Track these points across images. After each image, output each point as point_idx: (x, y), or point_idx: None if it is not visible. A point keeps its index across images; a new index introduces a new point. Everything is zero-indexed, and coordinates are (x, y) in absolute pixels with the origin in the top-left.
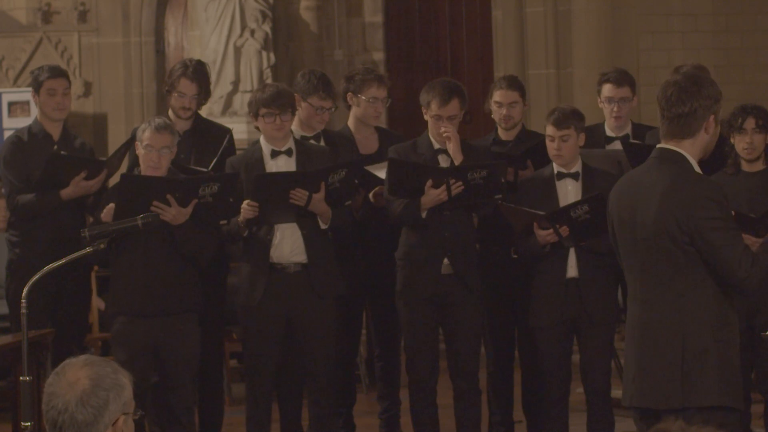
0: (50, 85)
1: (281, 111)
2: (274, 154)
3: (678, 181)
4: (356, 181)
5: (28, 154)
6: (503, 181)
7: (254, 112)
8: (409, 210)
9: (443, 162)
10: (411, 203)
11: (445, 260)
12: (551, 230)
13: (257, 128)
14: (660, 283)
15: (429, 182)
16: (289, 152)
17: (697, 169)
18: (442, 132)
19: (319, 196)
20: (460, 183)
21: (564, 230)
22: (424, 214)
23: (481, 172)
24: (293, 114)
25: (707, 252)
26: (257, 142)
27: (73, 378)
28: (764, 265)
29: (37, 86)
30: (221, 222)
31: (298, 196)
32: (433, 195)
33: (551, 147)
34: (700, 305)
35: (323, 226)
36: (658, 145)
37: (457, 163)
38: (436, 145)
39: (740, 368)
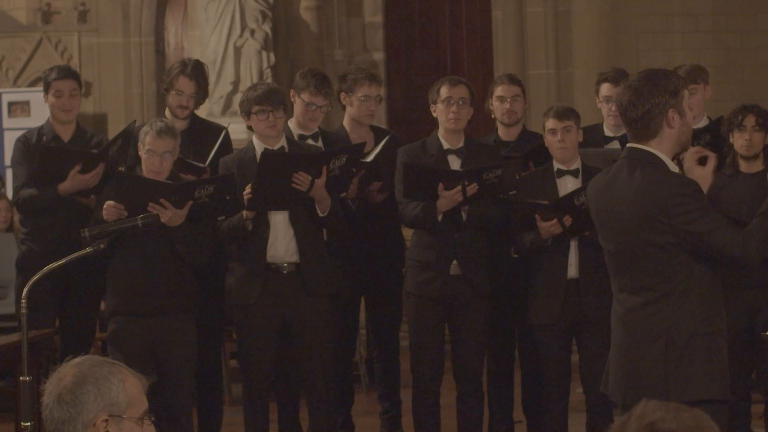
0: (57, 86)
1: (274, 108)
2: None
3: (650, 183)
4: (354, 170)
5: (35, 156)
6: (518, 177)
7: (246, 110)
8: (424, 213)
9: (453, 162)
10: (427, 206)
11: (454, 261)
12: (555, 221)
13: (249, 128)
14: (642, 284)
15: (440, 185)
16: (281, 150)
17: (671, 165)
18: (451, 115)
19: (321, 182)
20: (474, 184)
21: (567, 220)
22: (440, 218)
23: (496, 172)
24: (285, 112)
25: (698, 245)
26: (250, 141)
27: (62, 375)
28: (760, 233)
29: (45, 87)
30: (219, 218)
31: (301, 180)
32: (448, 198)
33: (554, 141)
34: (683, 302)
35: (321, 214)
36: (627, 145)
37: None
38: (446, 146)
39: (729, 359)
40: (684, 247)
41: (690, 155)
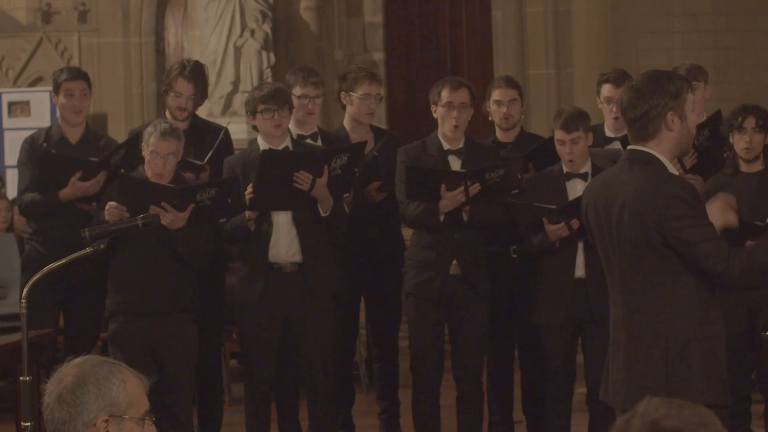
0: (68, 87)
1: (279, 107)
2: None
3: (647, 183)
4: (356, 170)
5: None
6: (520, 176)
7: (252, 110)
8: (426, 214)
9: (453, 162)
10: (428, 207)
11: (454, 261)
12: (562, 224)
13: (254, 128)
14: (639, 286)
15: (443, 186)
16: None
17: (671, 167)
18: (453, 122)
19: (322, 181)
20: (477, 184)
21: (575, 223)
22: (441, 218)
23: (498, 172)
24: (290, 112)
25: (683, 251)
26: (254, 141)
27: (63, 374)
28: (749, 261)
29: (56, 87)
30: (221, 220)
31: (302, 179)
32: (450, 198)
33: (563, 151)
34: (680, 305)
35: (323, 214)
36: (628, 147)
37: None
38: (446, 146)
39: (726, 363)
40: (673, 250)
41: (718, 208)
